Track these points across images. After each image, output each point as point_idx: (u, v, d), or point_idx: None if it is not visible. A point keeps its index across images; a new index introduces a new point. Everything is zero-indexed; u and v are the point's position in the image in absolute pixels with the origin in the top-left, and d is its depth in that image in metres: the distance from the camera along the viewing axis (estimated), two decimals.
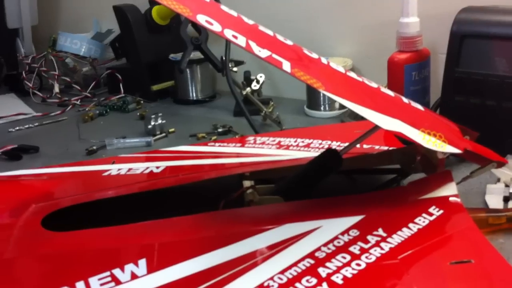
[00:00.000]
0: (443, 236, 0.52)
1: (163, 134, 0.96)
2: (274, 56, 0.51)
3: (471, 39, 0.75)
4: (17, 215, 0.62)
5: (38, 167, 0.80)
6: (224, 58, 1.05)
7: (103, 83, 1.27)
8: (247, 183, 0.64)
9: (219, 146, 0.82)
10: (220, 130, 0.95)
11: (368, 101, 0.54)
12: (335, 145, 0.76)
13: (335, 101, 0.99)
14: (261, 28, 0.56)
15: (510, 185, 0.65)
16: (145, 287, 0.48)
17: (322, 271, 0.48)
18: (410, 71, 0.84)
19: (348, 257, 0.49)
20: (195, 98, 1.15)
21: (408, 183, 0.64)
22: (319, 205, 0.58)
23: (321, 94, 1.00)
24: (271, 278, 0.47)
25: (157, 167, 0.74)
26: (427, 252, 0.50)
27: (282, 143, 0.80)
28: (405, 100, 0.60)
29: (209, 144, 0.84)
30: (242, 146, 0.81)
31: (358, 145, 0.65)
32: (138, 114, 1.08)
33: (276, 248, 0.51)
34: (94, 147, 0.91)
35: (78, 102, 1.18)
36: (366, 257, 0.49)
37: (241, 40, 0.51)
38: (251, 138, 0.84)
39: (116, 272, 0.49)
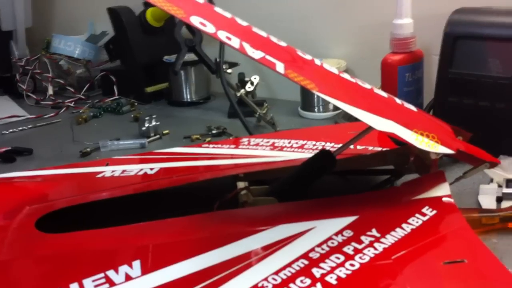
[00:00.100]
0: (436, 236, 0.52)
1: (157, 136, 0.96)
2: (268, 57, 0.51)
3: (464, 40, 0.75)
4: (11, 217, 0.62)
5: (32, 169, 0.80)
6: (218, 59, 1.05)
7: (97, 85, 1.27)
8: (241, 184, 0.64)
9: (213, 147, 0.82)
10: (214, 131, 0.95)
11: (361, 102, 0.54)
12: (329, 146, 0.77)
13: (329, 103, 1.00)
14: (255, 29, 0.56)
15: (503, 186, 0.66)
16: None
17: (316, 272, 0.48)
18: (404, 72, 0.84)
19: (342, 258, 0.49)
20: (189, 100, 1.15)
21: (401, 183, 0.65)
22: (313, 206, 0.58)
23: (315, 96, 1.00)
24: (265, 279, 0.47)
25: (151, 169, 0.74)
26: (420, 252, 0.50)
27: (276, 145, 0.80)
28: (398, 101, 0.60)
29: (203, 145, 0.84)
30: (236, 147, 0.81)
31: (352, 146, 0.66)
32: (132, 116, 1.08)
33: (270, 249, 0.51)
34: (88, 149, 0.90)
35: (72, 104, 1.18)
36: (360, 258, 0.49)
37: (235, 42, 0.51)
38: (245, 140, 0.84)
39: (110, 273, 0.49)
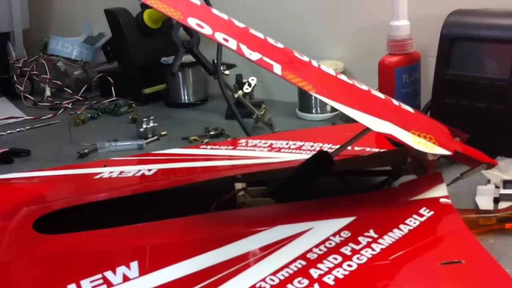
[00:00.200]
0: (433, 237, 0.53)
1: (155, 137, 0.96)
2: (265, 59, 0.51)
3: (461, 42, 0.76)
4: (9, 218, 0.62)
5: (30, 170, 0.80)
6: (215, 61, 1.05)
7: (95, 86, 1.27)
8: (239, 185, 0.64)
9: (211, 148, 0.82)
10: (212, 133, 0.95)
11: (359, 104, 0.54)
12: (326, 147, 0.77)
13: (326, 104, 1.00)
14: (252, 31, 0.56)
15: (500, 187, 0.66)
16: None
17: (314, 272, 0.48)
18: (401, 74, 0.84)
19: (340, 258, 0.50)
20: (187, 101, 1.15)
21: (399, 184, 0.65)
22: (310, 207, 0.58)
23: (313, 97, 1.01)
24: (263, 280, 0.47)
25: (149, 170, 0.74)
26: (418, 253, 0.50)
27: (273, 146, 0.80)
28: (396, 102, 0.60)
29: (201, 146, 0.84)
30: (234, 148, 0.81)
31: (349, 147, 0.66)
32: (130, 117, 1.08)
33: (268, 249, 0.51)
34: (86, 150, 0.90)
35: (69, 106, 1.18)
36: (358, 258, 0.49)
37: (232, 43, 0.51)
38: (243, 141, 0.84)
39: (108, 274, 0.49)
